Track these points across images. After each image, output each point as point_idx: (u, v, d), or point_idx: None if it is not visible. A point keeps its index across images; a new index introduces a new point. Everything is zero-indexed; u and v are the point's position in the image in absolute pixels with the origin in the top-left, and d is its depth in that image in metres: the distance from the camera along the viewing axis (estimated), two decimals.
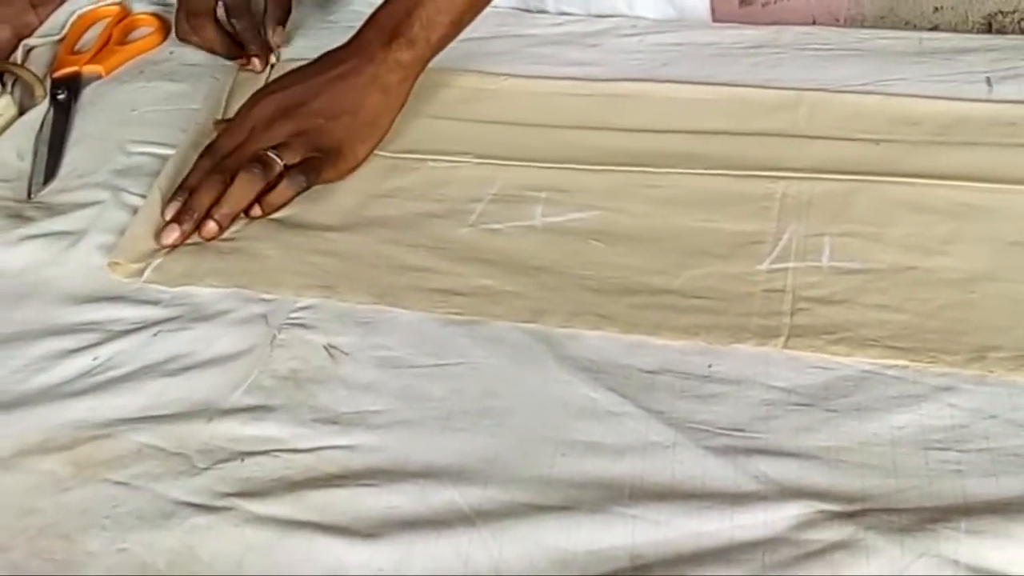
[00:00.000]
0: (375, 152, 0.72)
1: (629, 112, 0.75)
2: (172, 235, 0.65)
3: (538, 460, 0.52)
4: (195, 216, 0.65)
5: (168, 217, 0.66)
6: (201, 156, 0.69)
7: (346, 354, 0.58)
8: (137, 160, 0.73)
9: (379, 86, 0.70)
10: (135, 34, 0.87)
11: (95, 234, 0.67)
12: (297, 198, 0.68)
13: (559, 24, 0.86)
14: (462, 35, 0.83)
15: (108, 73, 0.82)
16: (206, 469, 0.52)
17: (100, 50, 0.84)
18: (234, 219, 0.66)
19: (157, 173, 0.71)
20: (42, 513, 0.51)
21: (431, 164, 0.71)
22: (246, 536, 0.49)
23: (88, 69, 0.82)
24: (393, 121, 0.72)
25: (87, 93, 0.80)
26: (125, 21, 0.87)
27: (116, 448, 0.53)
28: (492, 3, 0.74)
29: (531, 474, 0.51)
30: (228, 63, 0.83)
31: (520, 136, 0.73)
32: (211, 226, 0.65)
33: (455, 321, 0.60)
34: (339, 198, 0.69)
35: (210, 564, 0.48)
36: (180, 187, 0.67)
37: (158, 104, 0.79)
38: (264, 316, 0.60)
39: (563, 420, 0.54)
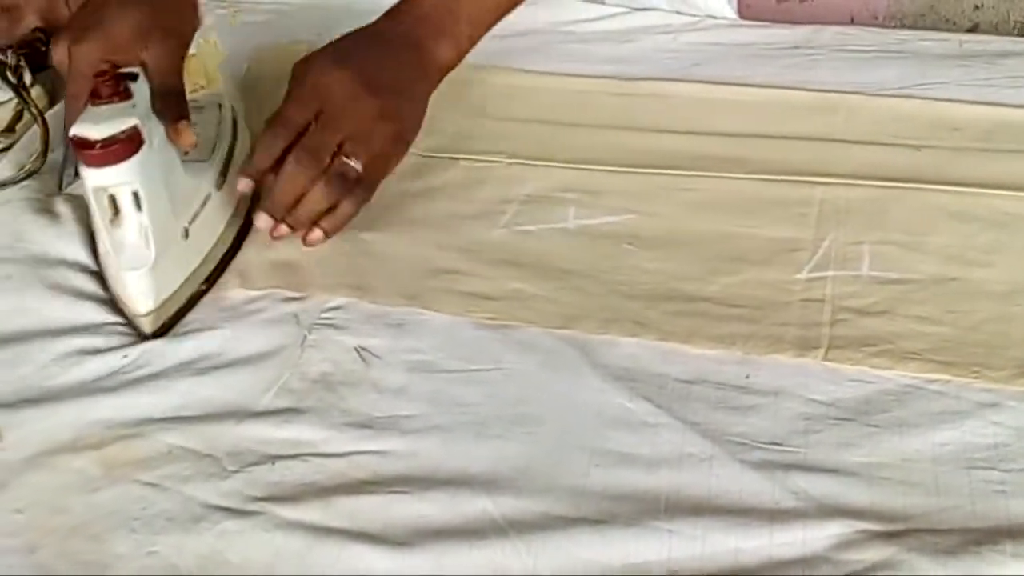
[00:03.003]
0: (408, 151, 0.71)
1: (663, 113, 0.74)
2: (263, 222, 0.63)
3: (572, 470, 0.51)
4: (282, 209, 0.62)
5: (243, 185, 0.63)
6: (271, 125, 0.63)
7: (377, 357, 0.57)
8: None
9: (426, 87, 0.67)
10: None
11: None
12: None
13: (593, 21, 0.85)
14: (494, 32, 0.83)
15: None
16: (236, 472, 0.52)
17: None
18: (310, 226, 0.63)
19: None
20: (72, 513, 0.50)
21: (463, 164, 0.70)
22: (276, 542, 0.49)
23: None
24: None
25: None
26: None
27: (146, 448, 0.53)
28: None
29: (565, 484, 0.50)
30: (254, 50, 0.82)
31: (553, 136, 0.73)
32: (283, 230, 0.63)
33: (487, 325, 0.59)
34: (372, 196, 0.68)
35: (240, 569, 0.48)
36: (251, 155, 0.64)
37: (190, 95, 0.78)
38: (295, 316, 0.60)
39: (597, 429, 0.53)
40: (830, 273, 0.61)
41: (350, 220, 0.64)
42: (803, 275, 0.61)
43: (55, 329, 0.60)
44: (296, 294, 0.61)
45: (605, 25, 0.84)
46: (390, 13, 0.67)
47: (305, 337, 0.58)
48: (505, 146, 0.71)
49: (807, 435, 0.52)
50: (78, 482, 0.51)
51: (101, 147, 0.55)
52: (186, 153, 0.62)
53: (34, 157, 0.72)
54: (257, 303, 0.61)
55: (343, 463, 0.52)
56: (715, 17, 0.84)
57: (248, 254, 0.64)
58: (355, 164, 0.62)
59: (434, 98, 0.76)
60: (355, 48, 0.65)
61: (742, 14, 0.86)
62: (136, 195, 0.57)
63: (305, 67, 0.64)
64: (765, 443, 0.52)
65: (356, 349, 0.58)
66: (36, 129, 0.73)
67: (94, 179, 0.56)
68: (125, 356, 0.58)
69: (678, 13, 0.85)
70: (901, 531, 0.47)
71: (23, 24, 0.74)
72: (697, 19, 0.84)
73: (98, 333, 0.59)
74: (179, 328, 0.60)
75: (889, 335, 0.56)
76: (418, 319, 0.59)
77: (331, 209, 0.63)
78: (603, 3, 0.85)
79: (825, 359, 0.55)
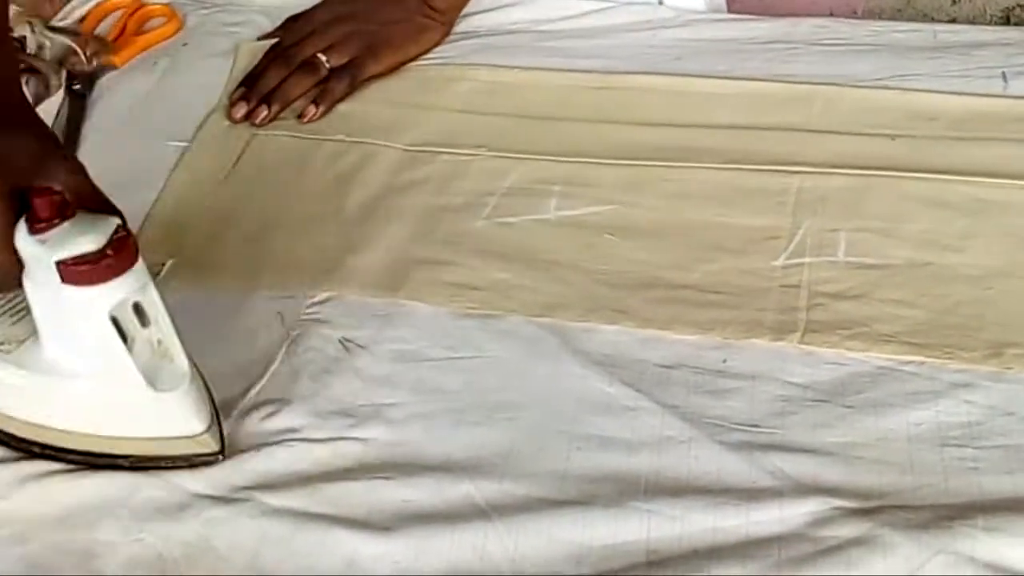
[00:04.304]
0: (391, 145, 0.72)
1: (644, 106, 0.75)
2: (241, 111, 0.74)
3: (553, 454, 0.52)
4: (259, 96, 0.75)
5: (235, 97, 0.75)
6: (267, 51, 0.79)
7: (361, 347, 0.58)
8: (152, 152, 0.73)
9: (424, 13, 0.81)
10: (149, 24, 0.87)
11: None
12: (315, 190, 0.68)
13: (572, 18, 0.85)
14: (477, 28, 0.84)
15: (122, 64, 0.82)
16: (222, 460, 0.52)
17: (115, 41, 0.84)
18: (283, 109, 0.75)
19: (173, 165, 0.71)
20: (59, 503, 0.51)
21: (445, 157, 0.71)
22: (262, 528, 0.49)
23: (103, 60, 0.82)
24: (438, 42, 0.81)
25: (101, 84, 0.80)
26: (139, 12, 0.87)
27: None
28: None
29: (546, 468, 0.51)
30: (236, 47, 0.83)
31: (534, 129, 0.73)
32: (263, 112, 0.74)
33: (470, 315, 0.60)
34: (355, 191, 0.69)
35: (226, 556, 0.49)
36: (247, 75, 0.77)
37: (172, 95, 0.79)
38: (280, 315, 0.60)
39: (578, 414, 0.54)
40: (807, 259, 0.61)
41: (338, 100, 0.75)
42: (780, 262, 0.62)
43: None
44: (281, 293, 0.61)
45: (584, 22, 0.85)
46: None
47: (289, 333, 0.59)
48: (487, 140, 0.72)
49: (784, 416, 0.53)
50: (66, 472, 0.52)
51: (113, 252, 0.47)
52: None
53: None
54: (242, 298, 0.61)
55: (328, 450, 0.52)
56: (693, 11, 0.85)
57: (232, 254, 0.65)
58: (324, 59, 0.76)
59: (416, 95, 0.77)
60: None
61: (729, 7, 0.88)
62: (149, 304, 0.50)
63: (315, 6, 0.81)
64: (743, 425, 0.52)
65: (340, 340, 0.58)
66: None
67: (116, 293, 0.48)
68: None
69: (660, 3, 0.86)
70: (875, 508, 0.48)
71: None
72: (676, 15, 0.85)
73: None
74: None
75: (864, 318, 0.57)
76: (401, 309, 0.60)
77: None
78: None
79: (801, 342, 0.56)
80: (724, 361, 0.56)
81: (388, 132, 0.73)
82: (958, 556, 0.45)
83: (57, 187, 0.48)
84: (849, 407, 0.53)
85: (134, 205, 0.67)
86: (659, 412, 0.53)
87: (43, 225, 0.47)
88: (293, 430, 0.53)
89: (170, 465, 0.51)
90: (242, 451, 0.52)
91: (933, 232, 0.63)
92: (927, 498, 0.48)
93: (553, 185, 0.68)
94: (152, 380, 0.49)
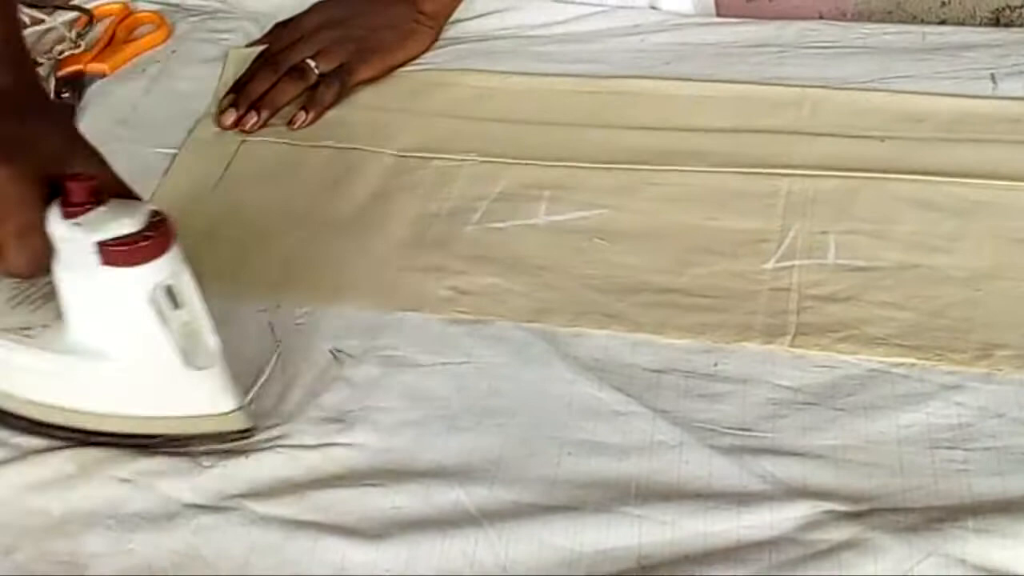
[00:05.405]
0: (380, 151, 0.72)
1: (632, 110, 0.75)
2: (230, 118, 0.74)
3: (544, 460, 0.52)
4: (248, 102, 0.74)
5: (224, 104, 0.75)
6: (256, 59, 0.79)
7: (351, 356, 0.58)
8: (142, 159, 0.73)
9: (413, 19, 0.81)
10: (138, 32, 0.87)
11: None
12: (305, 197, 0.68)
13: (561, 23, 0.85)
14: (466, 34, 0.84)
15: (112, 71, 0.82)
16: (210, 467, 0.52)
17: (104, 49, 0.84)
18: (273, 115, 0.74)
19: (162, 172, 0.71)
20: (48, 514, 0.50)
21: (436, 163, 0.71)
22: (252, 536, 0.49)
23: (92, 67, 0.82)
24: (427, 48, 0.81)
25: (91, 91, 0.80)
26: (128, 19, 0.87)
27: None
28: None
29: (537, 474, 0.51)
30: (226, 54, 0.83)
31: (523, 134, 0.73)
32: (252, 119, 0.74)
33: (459, 320, 0.59)
34: (345, 197, 0.69)
35: (215, 565, 0.48)
36: (236, 82, 0.77)
37: (161, 102, 0.79)
38: (270, 319, 0.60)
39: (568, 419, 0.54)
40: (797, 262, 0.61)
41: (328, 106, 0.75)
42: (770, 265, 0.62)
43: None
44: (271, 302, 0.61)
45: (573, 27, 0.85)
46: None
47: (279, 343, 0.59)
48: (476, 145, 0.72)
49: (774, 420, 0.53)
50: (54, 482, 0.52)
51: (152, 234, 0.48)
52: None
53: None
54: (231, 307, 0.61)
55: (317, 457, 0.52)
56: (682, 15, 0.85)
57: (222, 262, 0.64)
58: (313, 64, 0.76)
59: (406, 101, 0.77)
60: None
61: (718, 12, 0.88)
62: (184, 286, 0.50)
63: (304, 11, 0.81)
64: (733, 429, 0.52)
65: (331, 351, 0.58)
66: None
67: (154, 275, 0.48)
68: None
69: (652, 8, 0.86)
70: (866, 511, 0.48)
71: None
72: (665, 19, 0.85)
73: None
74: None
75: (855, 321, 0.57)
76: (391, 315, 0.60)
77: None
78: (573, 1, 0.86)
79: (792, 346, 0.56)
80: (714, 365, 0.56)
81: (378, 138, 0.73)
82: (948, 558, 0.45)
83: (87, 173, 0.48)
84: (839, 410, 0.53)
85: None
86: (649, 417, 0.53)
87: (77, 209, 0.48)
88: (282, 437, 0.53)
89: (200, 445, 0.51)
90: (231, 458, 0.52)
91: (922, 234, 0.63)
92: (917, 500, 0.48)
93: (542, 190, 0.68)
94: (186, 360, 0.50)
